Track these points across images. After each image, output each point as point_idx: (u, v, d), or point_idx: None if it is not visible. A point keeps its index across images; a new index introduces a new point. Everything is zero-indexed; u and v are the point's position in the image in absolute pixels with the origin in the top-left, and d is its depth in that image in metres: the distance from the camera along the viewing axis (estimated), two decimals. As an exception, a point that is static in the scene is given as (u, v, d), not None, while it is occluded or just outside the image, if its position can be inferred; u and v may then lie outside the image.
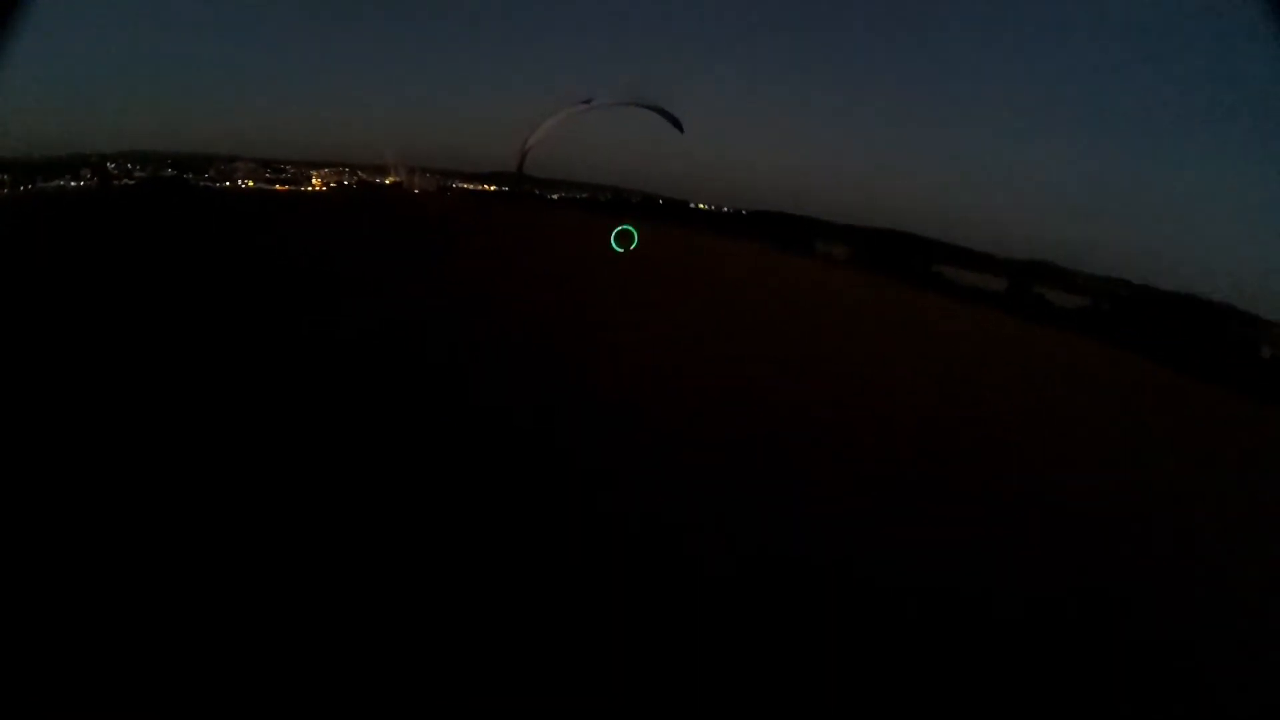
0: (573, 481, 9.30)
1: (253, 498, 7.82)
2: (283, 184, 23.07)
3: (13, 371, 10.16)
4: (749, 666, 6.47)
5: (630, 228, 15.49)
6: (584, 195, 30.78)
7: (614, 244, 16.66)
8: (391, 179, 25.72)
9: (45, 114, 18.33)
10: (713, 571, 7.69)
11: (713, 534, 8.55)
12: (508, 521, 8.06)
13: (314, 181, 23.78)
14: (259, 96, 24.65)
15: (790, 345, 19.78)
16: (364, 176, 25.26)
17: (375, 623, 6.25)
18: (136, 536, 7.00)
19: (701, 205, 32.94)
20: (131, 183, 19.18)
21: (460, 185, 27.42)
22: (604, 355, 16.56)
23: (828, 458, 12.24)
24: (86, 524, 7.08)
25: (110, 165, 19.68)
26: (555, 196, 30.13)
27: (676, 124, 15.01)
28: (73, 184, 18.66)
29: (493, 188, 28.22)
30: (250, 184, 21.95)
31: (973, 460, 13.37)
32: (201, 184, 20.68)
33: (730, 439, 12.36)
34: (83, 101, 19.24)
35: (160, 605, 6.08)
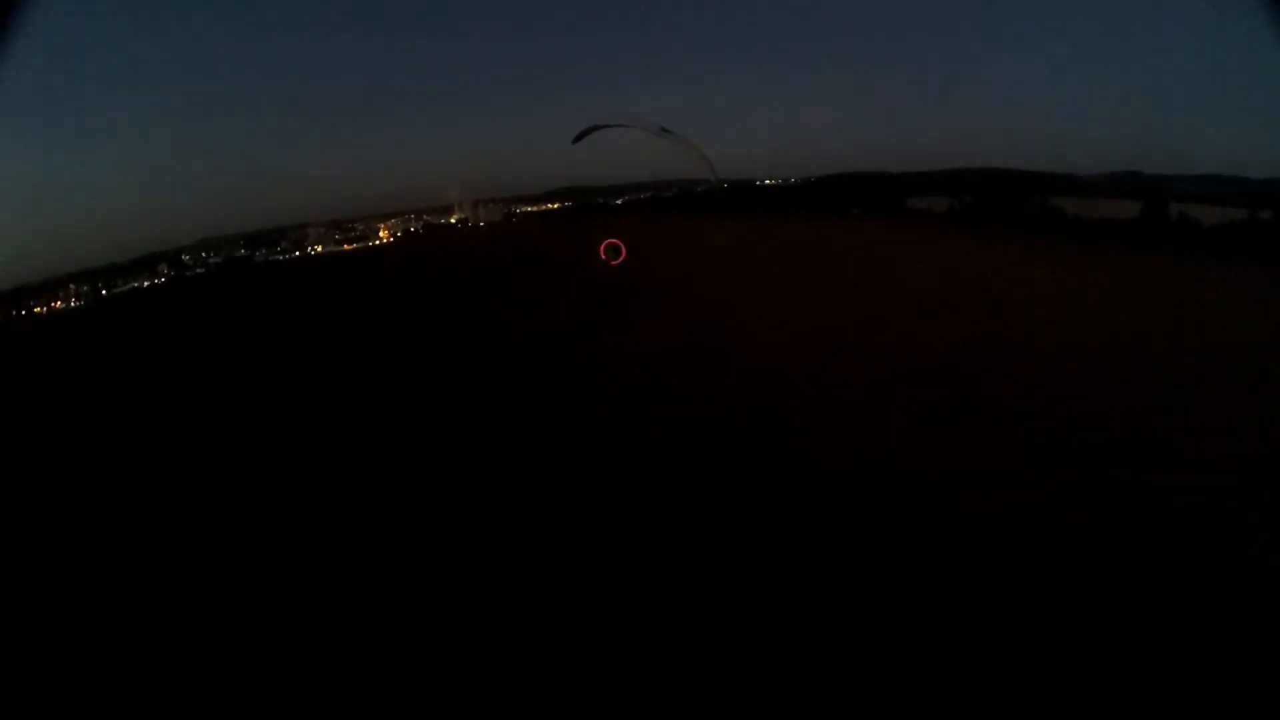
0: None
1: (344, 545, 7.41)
2: (351, 242, 21.90)
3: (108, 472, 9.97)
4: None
5: (618, 243, 15.10)
6: (647, 195, 28.97)
7: (605, 257, 16.54)
8: (456, 216, 24.45)
9: (120, 217, 17.79)
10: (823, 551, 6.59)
11: (824, 509, 7.43)
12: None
13: (381, 234, 22.58)
14: (319, 161, 23.91)
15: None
16: (429, 219, 24.06)
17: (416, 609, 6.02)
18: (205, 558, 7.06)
19: (769, 181, 30.73)
20: (202, 271, 18.13)
21: (524, 209, 25.97)
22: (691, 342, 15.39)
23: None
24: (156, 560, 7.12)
25: (185, 257, 18.77)
26: (620, 202, 28.44)
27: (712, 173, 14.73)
28: (150, 281, 17.75)
29: (555, 205, 26.72)
30: (319, 249, 20.80)
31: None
32: (270, 258, 19.57)
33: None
34: (152, 199, 18.59)
35: (180, 603, 6.13)
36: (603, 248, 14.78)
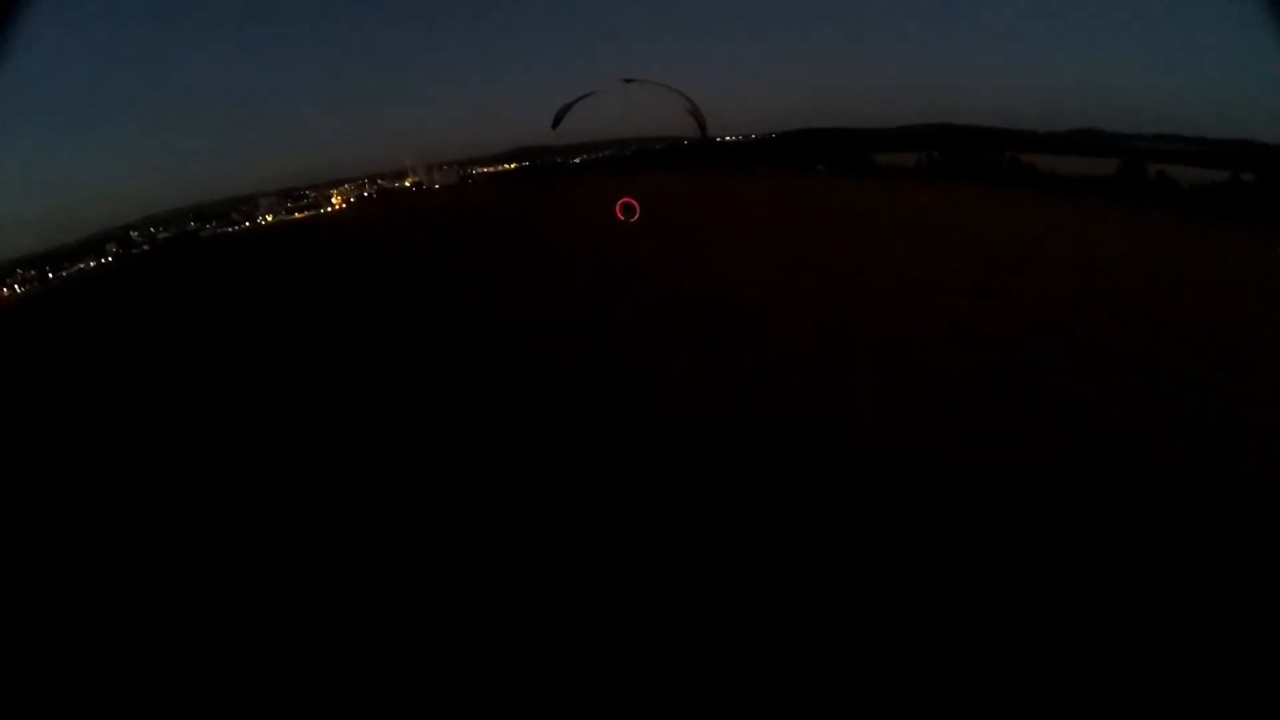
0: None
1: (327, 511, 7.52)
2: (304, 210, 21.70)
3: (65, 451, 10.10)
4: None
5: (633, 201, 15.19)
6: (606, 153, 28.46)
7: (620, 215, 16.45)
8: (411, 180, 24.11)
9: (64, 198, 17.50)
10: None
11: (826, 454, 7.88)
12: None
13: (334, 201, 22.34)
14: (271, 128, 23.23)
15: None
16: (384, 184, 23.72)
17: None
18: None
19: (729, 138, 30.15)
20: (149, 248, 18.05)
21: (480, 171, 25.57)
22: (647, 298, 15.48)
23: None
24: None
25: (133, 234, 18.63)
26: (578, 160, 27.96)
27: (695, 113, 14.49)
28: (98, 261, 17.72)
29: (512, 166, 26.29)
30: (270, 218, 20.65)
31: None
32: (220, 231, 19.45)
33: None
34: (96, 179, 18.20)
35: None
36: (619, 207, 15.00)
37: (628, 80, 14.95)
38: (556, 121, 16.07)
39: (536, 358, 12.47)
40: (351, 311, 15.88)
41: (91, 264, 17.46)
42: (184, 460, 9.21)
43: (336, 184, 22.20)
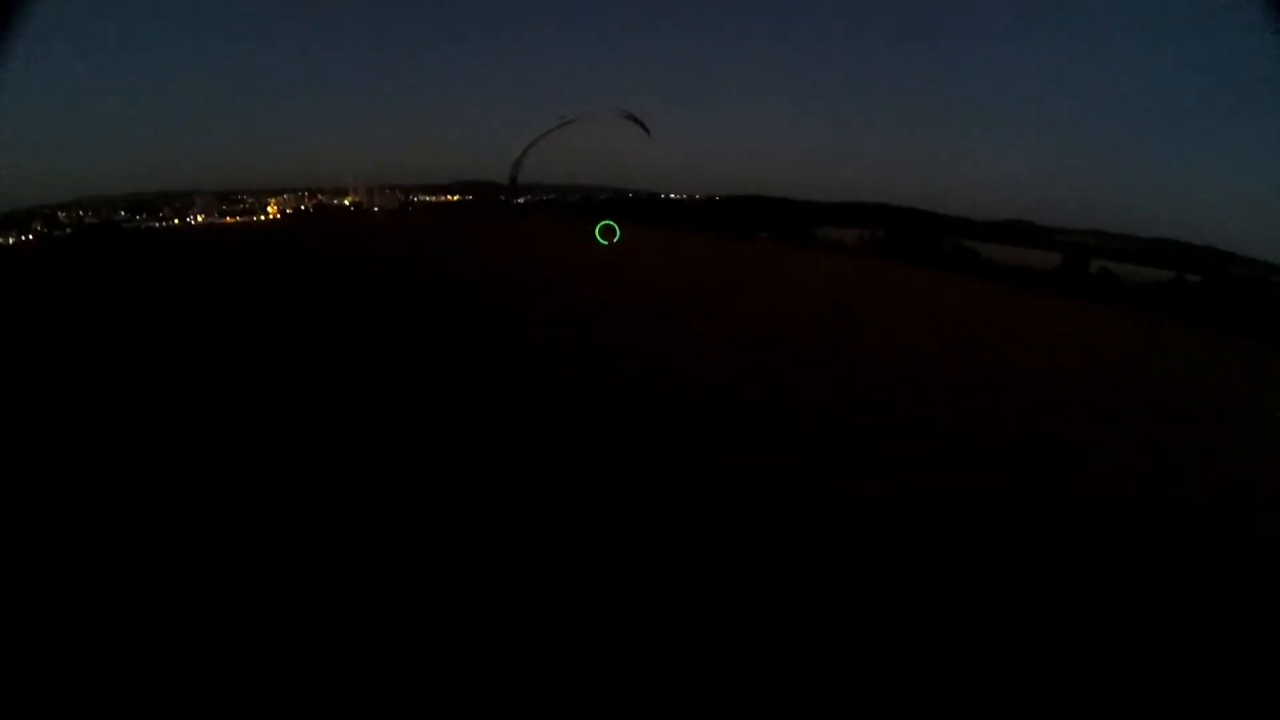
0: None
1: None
2: (238, 215, 22.65)
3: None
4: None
5: (613, 223, 15.65)
6: (550, 196, 29.55)
7: (598, 238, 16.61)
8: (350, 199, 25.11)
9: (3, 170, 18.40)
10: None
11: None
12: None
13: (270, 209, 23.30)
14: (214, 128, 24.38)
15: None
16: (323, 199, 24.68)
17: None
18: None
19: (673, 195, 31.23)
20: (71, 231, 18.90)
21: (421, 198, 26.61)
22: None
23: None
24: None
25: (61, 214, 19.57)
26: (521, 200, 28.99)
27: (645, 128, 15.22)
28: (18, 237, 18.59)
29: (455, 198, 27.33)
30: (200, 218, 21.59)
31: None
32: (145, 225, 20.34)
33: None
34: (28, 152, 19.20)
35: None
36: (599, 229, 15.38)
37: (565, 121, 15.66)
38: (512, 182, 16.87)
39: (452, 379, 12.71)
40: (266, 320, 16.14)
41: (10, 240, 18.28)
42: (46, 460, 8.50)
43: (274, 192, 23.12)
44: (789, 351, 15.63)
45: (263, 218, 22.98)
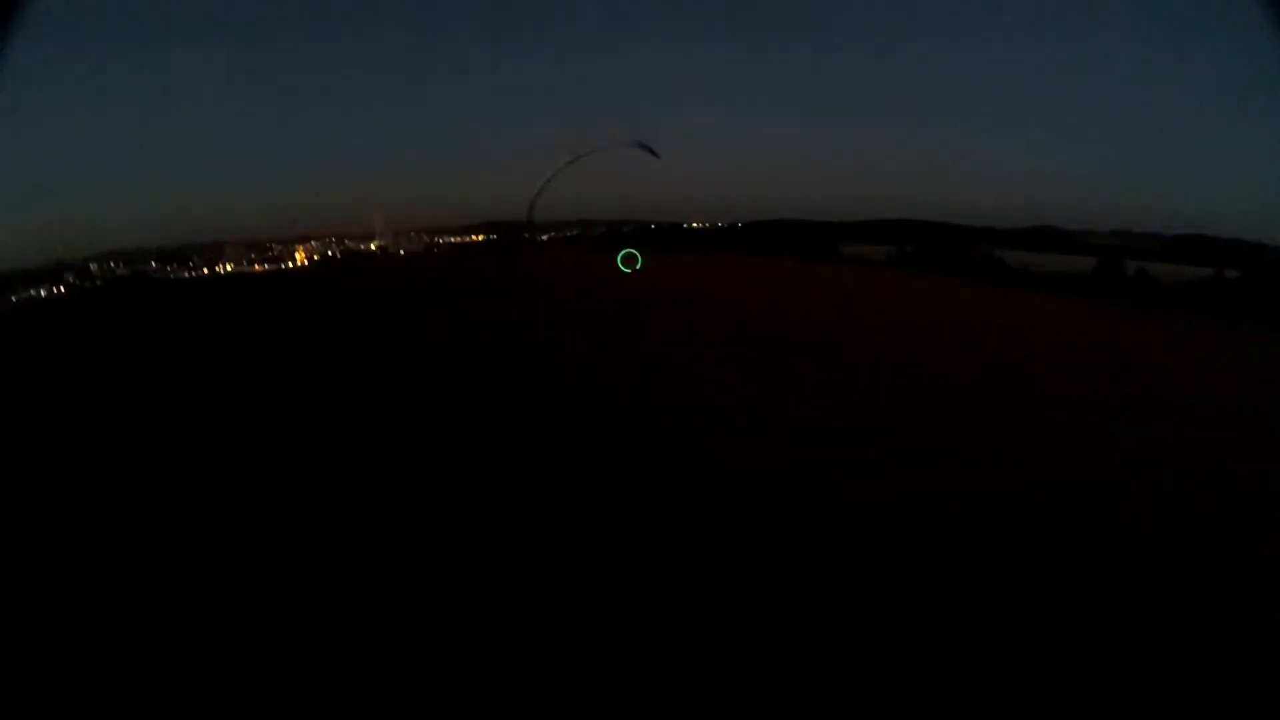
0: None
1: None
2: (267, 263, 22.68)
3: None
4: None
5: (634, 251, 16.17)
6: (574, 232, 29.52)
7: (621, 266, 16.88)
8: (377, 244, 25.19)
9: (25, 223, 18.60)
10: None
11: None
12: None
13: (298, 256, 23.36)
14: (242, 178, 24.78)
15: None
16: (349, 245, 24.78)
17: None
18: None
19: (695, 224, 31.08)
20: (102, 284, 18.90)
21: (446, 240, 26.64)
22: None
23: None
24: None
25: (92, 266, 19.66)
26: (545, 237, 28.99)
27: (654, 154, 15.57)
28: (51, 290, 18.60)
29: (480, 238, 27.34)
30: (229, 267, 21.60)
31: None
32: (176, 275, 20.34)
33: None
34: (62, 206, 19.44)
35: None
36: (619, 258, 15.58)
37: (576, 157, 15.96)
38: (529, 221, 17.07)
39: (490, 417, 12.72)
40: (301, 367, 16.06)
41: (43, 292, 18.29)
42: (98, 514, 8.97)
43: (303, 240, 23.21)
44: (817, 361, 15.13)
45: (291, 265, 22.98)
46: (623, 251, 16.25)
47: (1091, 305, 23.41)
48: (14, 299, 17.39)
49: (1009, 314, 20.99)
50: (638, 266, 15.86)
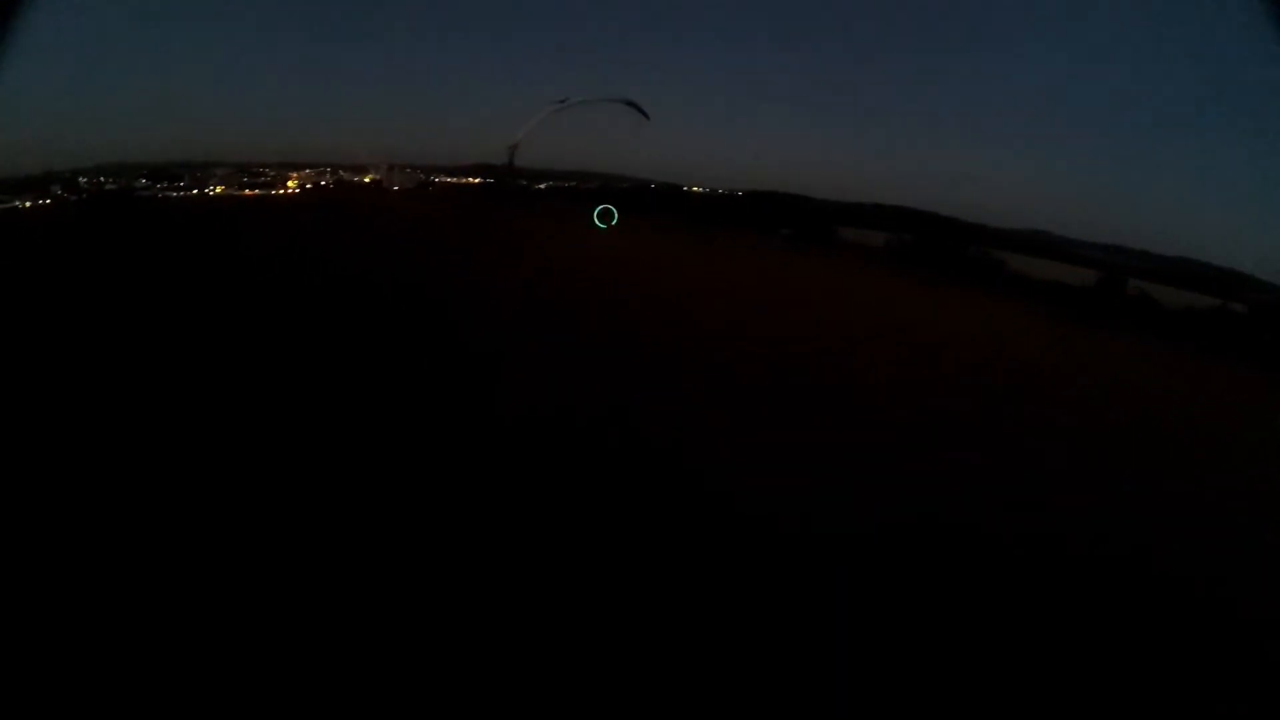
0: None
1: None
2: (257, 188, 22.38)
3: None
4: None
5: (611, 206, 16.09)
6: (571, 184, 29.05)
7: (597, 221, 16.69)
8: (371, 177, 24.79)
9: (15, 132, 18.11)
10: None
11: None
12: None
13: (290, 184, 23.02)
14: (239, 101, 24.08)
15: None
16: (343, 176, 24.40)
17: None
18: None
19: (695, 188, 30.65)
20: (88, 196, 18.65)
21: (442, 179, 26.24)
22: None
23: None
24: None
25: (81, 179, 19.37)
26: (542, 186, 28.58)
27: (644, 114, 15.37)
28: (36, 201, 18.40)
29: (476, 180, 26.93)
30: (219, 190, 21.34)
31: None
32: (163, 194, 20.09)
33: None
34: (54, 117, 18.93)
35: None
36: (596, 214, 15.54)
37: (564, 104, 15.72)
38: (510, 164, 16.88)
39: (467, 362, 12.45)
40: (281, 295, 15.93)
41: (28, 203, 18.07)
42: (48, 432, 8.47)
43: (296, 167, 22.84)
44: (806, 355, 15.35)
45: (282, 192, 22.71)
46: (599, 207, 16.21)
47: (1095, 326, 23.34)
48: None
49: (1015, 327, 21.24)
50: (613, 223, 15.77)
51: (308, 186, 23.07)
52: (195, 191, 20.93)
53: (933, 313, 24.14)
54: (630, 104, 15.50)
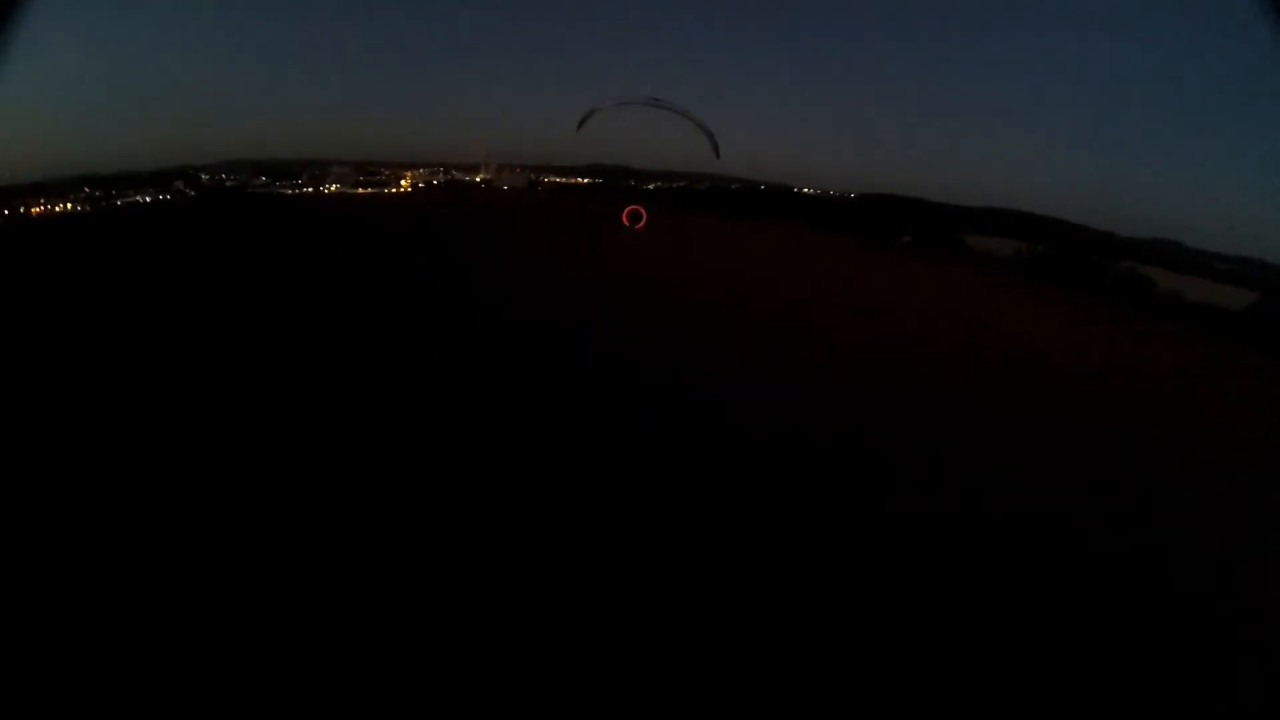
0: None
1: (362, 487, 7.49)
2: (372, 186, 21.43)
3: (105, 374, 9.92)
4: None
5: (640, 209, 15.26)
6: (680, 184, 27.41)
7: (627, 223, 16.18)
8: (481, 176, 23.67)
9: (139, 128, 17.61)
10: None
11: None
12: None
13: (404, 182, 22.04)
14: (356, 101, 23.30)
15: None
16: (456, 175, 23.35)
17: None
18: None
19: (808, 190, 28.60)
20: (205, 194, 17.90)
21: (551, 179, 24.94)
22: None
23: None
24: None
25: (204, 176, 18.64)
26: (652, 187, 27.00)
27: (715, 147, 14.42)
28: (159, 196, 17.66)
29: (585, 181, 25.55)
30: (335, 188, 20.39)
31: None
32: (279, 191, 19.24)
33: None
34: (176, 114, 18.35)
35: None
36: (625, 214, 15.14)
37: (655, 100, 14.58)
38: (581, 124, 16.40)
39: (566, 365, 12.03)
40: (394, 297, 15.41)
41: (149, 198, 17.38)
42: (174, 421, 8.51)
43: (410, 166, 21.86)
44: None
45: (394, 190, 21.72)
46: (628, 209, 15.17)
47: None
48: (118, 203, 16.56)
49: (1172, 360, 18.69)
50: (640, 225, 14.88)
51: (420, 185, 21.99)
52: (309, 190, 20.03)
53: (1081, 336, 21.46)
54: (704, 130, 14.12)
